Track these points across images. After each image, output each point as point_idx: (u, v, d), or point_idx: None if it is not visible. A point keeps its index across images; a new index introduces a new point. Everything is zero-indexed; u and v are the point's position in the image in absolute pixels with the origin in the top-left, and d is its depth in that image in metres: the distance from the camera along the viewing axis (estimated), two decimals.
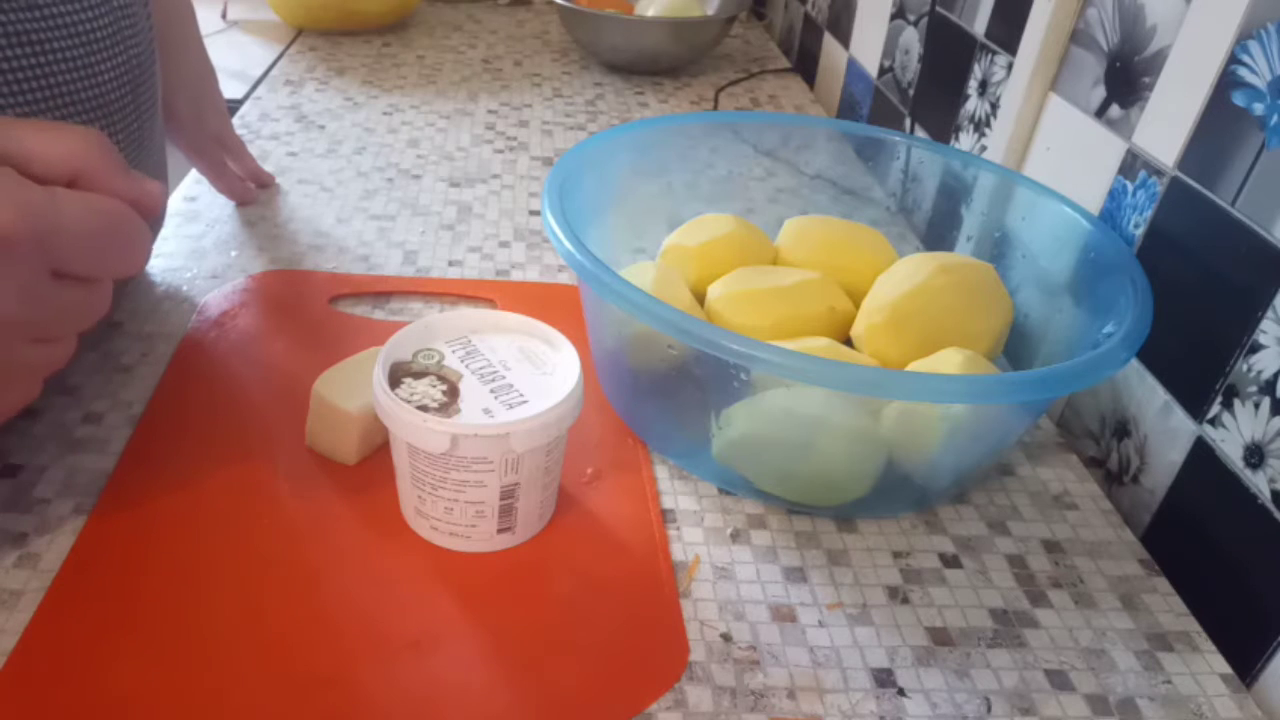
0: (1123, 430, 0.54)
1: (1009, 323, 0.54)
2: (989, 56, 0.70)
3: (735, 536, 0.46)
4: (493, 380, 0.42)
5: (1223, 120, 0.48)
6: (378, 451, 0.48)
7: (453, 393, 0.41)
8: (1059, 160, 0.62)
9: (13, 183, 0.32)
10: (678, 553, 0.45)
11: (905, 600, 0.44)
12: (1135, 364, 0.53)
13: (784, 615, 0.42)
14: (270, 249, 0.66)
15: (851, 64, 1.00)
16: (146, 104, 0.51)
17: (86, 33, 0.45)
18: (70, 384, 0.51)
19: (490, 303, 0.62)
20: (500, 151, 0.84)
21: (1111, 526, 0.49)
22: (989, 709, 0.39)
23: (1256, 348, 0.45)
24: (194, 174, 0.74)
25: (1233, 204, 0.47)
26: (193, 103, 0.66)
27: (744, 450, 0.47)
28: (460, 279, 0.64)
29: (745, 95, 1.03)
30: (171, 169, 0.61)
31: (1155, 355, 0.52)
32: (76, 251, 0.34)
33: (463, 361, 0.43)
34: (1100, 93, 0.57)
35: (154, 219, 0.39)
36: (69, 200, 0.34)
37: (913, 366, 0.49)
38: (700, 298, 0.55)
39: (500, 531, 0.43)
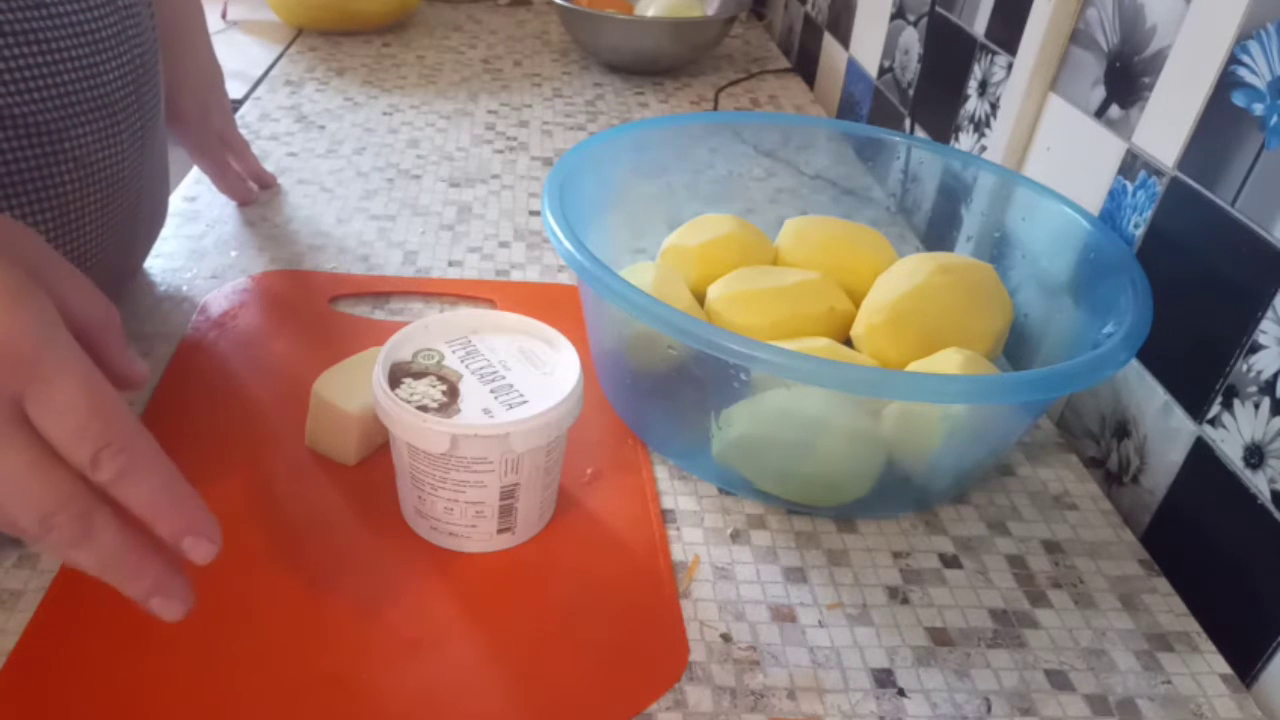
0: (1123, 430, 0.54)
1: (1009, 323, 0.54)
2: (989, 56, 0.70)
3: (735, 537, 0.46)
4: (493, 380, 0.42)
5: (1223, 120, 0.47)
6: (378, 451, 0.48)
7: (452, 393, 0.41)
8: (1059, 160, 0.62)
9: (51, 319, 0.31)
10: (678, 553, 0.45)
11: (905, 600, 0.44)
12: (1135, 364, 0.53)
13: (784, 615, 0.42)
14: (270, 249, 0.66)
15: (851, 64, 1.00)
16: (150, 104, 0.52)
17: (92, 32, 0.45)
18: None
19: (490, 303, 0.62)
20: (500, 151, 0.84)
21: (1111, 526, 0.49)
22: (989, 709, 0.39)
23: (1256, 348, 0.45)
24: (194, 174, 0.74)
25: (1233, 204, 0.47)
26: (199, 102, 0.66)
27: (744, 450, 0.47)
28: (460, 279, 0.64)
29: (745, 95, 1.03)
30: (172, 168, 0.61)
31: (1155, 355, 0.52)
32: (50, 407, 0.30)
33: (463, 361, 0.43)
34: (1100, 93, 0.57)
35: (135, 385, 0.37)
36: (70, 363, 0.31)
37: (913, 366, 0.49)
38: (700, 298, 0.55)
39: (500, 531, 0.43)
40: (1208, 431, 0.48)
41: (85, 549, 0.31)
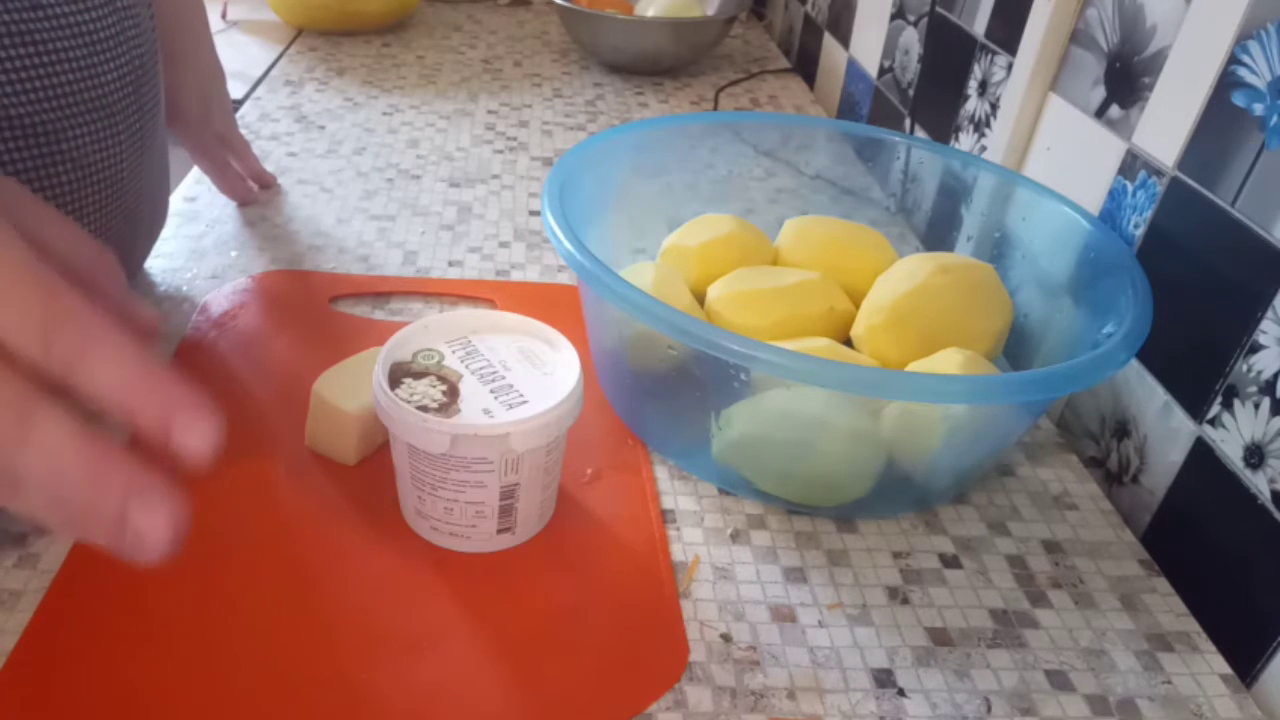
0: (1123, 430, 0.54)
1: (1009, 323, 0.54)
2: (989, 56, 0.70)
3: (735, 537, 0.46)
4: (493, 380, 0.42)
5: (1223, 120, 0.48)
6: (378, 451, 0.48)
7: (452, 393, 0.41)
8: (1059, 160, 0.62)
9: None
10: (678, 553, 0.45)
11: (905, 600, 0.44)
12: (1135, 364, 0.53)
13: (784, 615, 0.42)
14: (270, 249, 0.66)
15: (851, 64, 1.00)
16: (149, 104, 0.52)
17: (89, 33, 0.45)
18: None
19: (490, 303, 0.62)
20: (500, 152, 0.84)
21: (1111, 527, 0.49)
22: (989, 709, 0.39)
23: (1256, 348, 0.45)
24: (194, 174, 0.74)
25: (1233, 204, 0.47)
26: (200, 102, 0.66)
27: (744, 450, 0.47)
28: (460, 279, 0.64)
29: (745, 95, 1.03)
30: (172, 168, 0.61)
31: (1155, 355, 0.52)
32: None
33: (463, 362, 0.43)
34: (1100, 93, 0.57)
35: (147, 331, 0.33)
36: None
37: (913, 367, 0.49)
38: (700, 298, 0.55)
39: (500, 532, 0.43)
40: (1208, 431, 0.48)
41: (24, 454, 0.24)
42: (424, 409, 0.40)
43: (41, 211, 0.32)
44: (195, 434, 0.27)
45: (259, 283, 0.61)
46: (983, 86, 0.71)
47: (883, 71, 0.92)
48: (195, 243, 0.66)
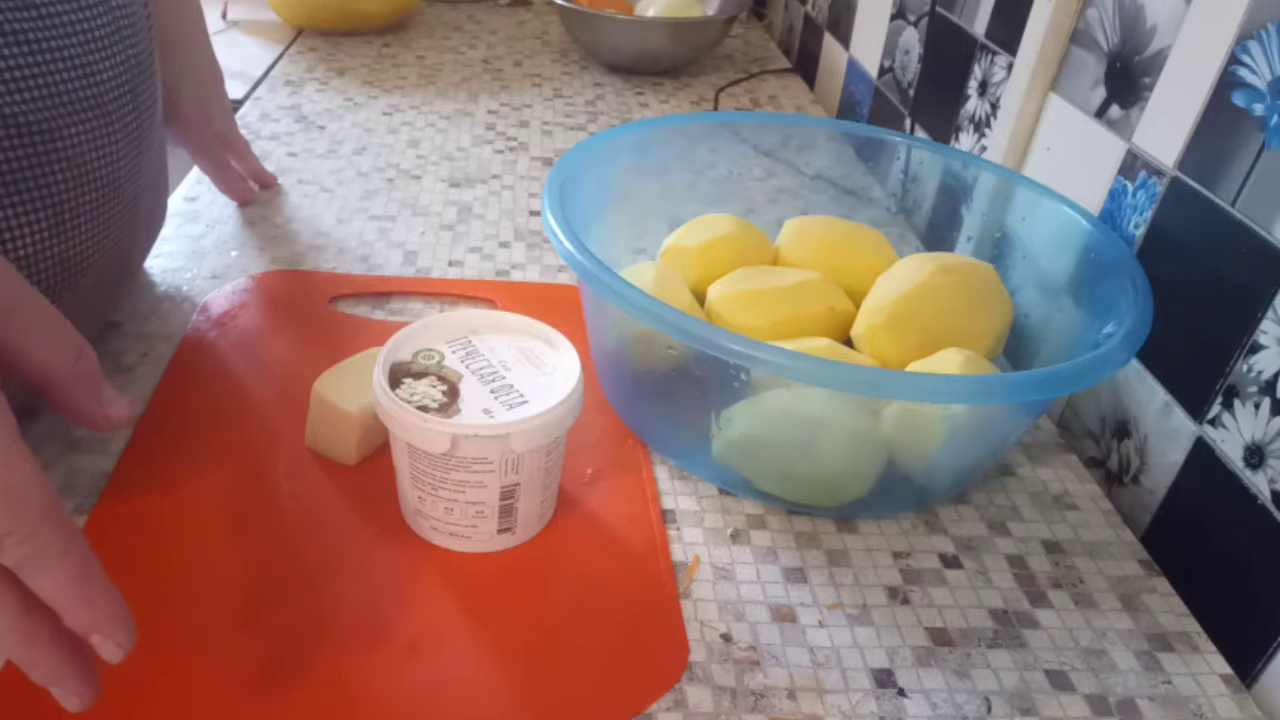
0: (1123, 430, 0.54)
1: (1009, 323, 0.54)
2: (989, 56, 0.70)
3: (735, 537, 0.46)
4: (493, 380, 0.42)
5: (1223, 121, 0.48)
6: (378, 451, 0.48)
7: (453, 393, 0.41)
8: (1059, 160, 0.62)
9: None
10: (678, 553, 0.45)
11: (905, 600, 0.44)
12: (1135, 364, 0.53)
13: (784, 615, 0.42)
14: (270, 249, 0.66)
15: (851, 64, 1.00)
16: (146, 104, 0.51)
17: (84, 32, 0.45)
18: None
19: (490, 303, 0.62)
20: (500, 152, 0.84)
21: (1111, 527, 0.49)
22: (989, 709, 0.39)
23: (1256, 348, 0.45)
24: (195, 174, 0.74)
25: (1233, 204, 0.47)
26: (199, 102, 0.66)
27: (744, 450, 0.47)
28: (460, 279, 0.64)
29: (745, 95, 1.03)
30: (172, 168, 0.61)
31: (1155, 355, 0.52)
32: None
33: (463, 362, 0.43)
34: (1100, 93, 0.57)
35: (115, 427, 0.37)
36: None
37: (913, 367, 0.49)
38: (700, 298, 0.55)
39: (500, 532, 0.43)
40: (1208, 431, 0.48)
41: None
42: (424, 409, 0.40)
43: (28, 308, 0.34)
44: (105, 654, 0.31)
45: (259, 283, 0.61)
46: (983, 86, 0.71)
47: (883, 71, 0.92)
48: (195, 243, 0.66)
